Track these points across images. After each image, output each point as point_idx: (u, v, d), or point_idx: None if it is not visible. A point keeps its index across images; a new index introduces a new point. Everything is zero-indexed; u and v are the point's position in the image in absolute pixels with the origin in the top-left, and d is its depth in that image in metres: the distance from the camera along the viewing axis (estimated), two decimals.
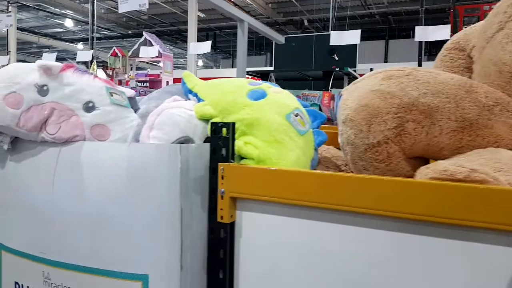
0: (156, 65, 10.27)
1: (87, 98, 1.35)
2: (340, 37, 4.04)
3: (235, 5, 10.96)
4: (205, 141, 1.21)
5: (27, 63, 1.43)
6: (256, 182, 0.98)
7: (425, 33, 3.90)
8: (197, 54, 8.43)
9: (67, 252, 1.29)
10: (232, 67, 15.48)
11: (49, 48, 16.61)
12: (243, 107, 1.21)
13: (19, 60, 11.33)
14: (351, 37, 4.02)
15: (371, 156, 1.04)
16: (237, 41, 2.05)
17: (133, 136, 1.25)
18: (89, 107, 1.33)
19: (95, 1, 9.93)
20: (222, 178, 1.01)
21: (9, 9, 11.28)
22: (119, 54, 8.30)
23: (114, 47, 8.35)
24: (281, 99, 1.25)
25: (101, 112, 1.33)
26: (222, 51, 15.95)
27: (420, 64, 4.55)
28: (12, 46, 11.41)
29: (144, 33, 8.04)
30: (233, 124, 1.05)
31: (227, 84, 1.33)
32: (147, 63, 9.73)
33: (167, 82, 8.08)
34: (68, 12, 12.02)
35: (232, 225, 1.01)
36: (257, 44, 14.90)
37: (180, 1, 11.29)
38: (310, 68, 5.72)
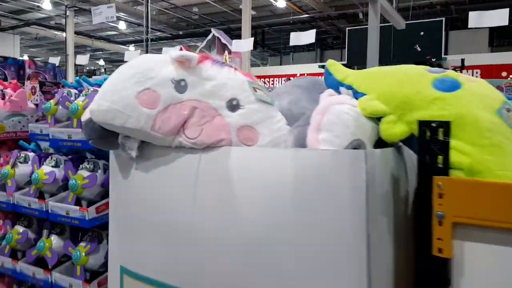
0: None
1: (231, 94, 1.11)
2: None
3: (288, 0, 10.68)
4: (376, 146, 0.93)
5: (156, 55, 1.21)
6: (492, 203, 0.69)
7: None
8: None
9: (210, 284, 1.05)
10: (281, 65, 15.20)
11: (102, 51, 17.12)
12: (432, 100, 0.92)
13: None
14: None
15: None
16: (369, 25, 1.77)
17: (295, 140, 0.99)
18: (233, 105, 1.10)
19: (149, 3, 10.00)
20: (440, 197, 0.72)
21: (67, 13, 11.63)
22: None
23: (181, 46, 8.23)
24: (482, 90, 0.95)
25: (247, 111, 1.09)
26: (271, 48, 15.68)
27: None
28: (70, 49, 11.77)
29: (212, 29, 7.90)
30: (448, 123, 0.76)
31: (398, 73, 1.04)
32: None
33: None
34: (121, 14, 12.22)
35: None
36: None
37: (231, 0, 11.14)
38: (389, 60, 5.31)
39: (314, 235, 0.83)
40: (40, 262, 1.80)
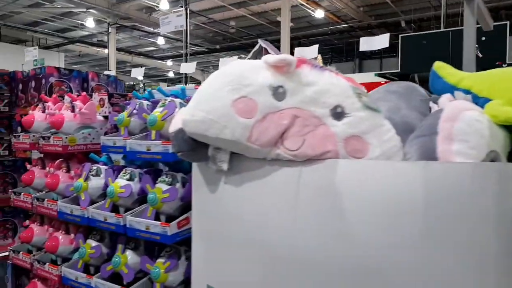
0: None
1: (334, 101, 1.01)
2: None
3: (327, 10, 10.58)
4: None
5: (250, 60, 1.13)
6: None
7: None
8: None
9: None
10: None
11: (141, 66, 17.57)
12: None
13: None
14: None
15: None
16: (464, 25, 1.65)
17: (421, 152, 0.87)
18: (338, 113, 1.00)
19: (188, 18, 10.16)
20: None
21: (109, 30, 12.03)
22: None
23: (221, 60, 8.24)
24: None
25: (354, 120, 0.99)
26: None
27: None
28: (112, 65, 12.13)
29: (259, 40, 7.84)
30: None
31: None
32: None
33: None
34: (160, 30, 12.51)
35: None
36: (346, 50, 14.31)
37: (268, 12, 11.16)
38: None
39: (449, 258, 0.72)
40: (114, 277, 1.75)
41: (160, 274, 1.56)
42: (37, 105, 2.21)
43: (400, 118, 1.20)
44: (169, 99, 1.66)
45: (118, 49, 13.71)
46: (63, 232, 2.02)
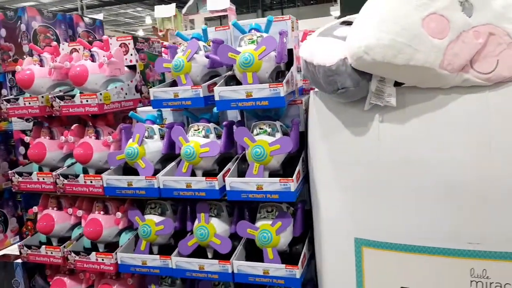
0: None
1: None
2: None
3: None
4: None
5: None
6: None
7: None
8: None
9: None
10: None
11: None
12: None
13: None
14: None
15: None
16: None
17: None
18: None
19: None
20: None
21: None
22: None
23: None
24: None
25: None
26: None
27: None
28: None
29: None
30: None
31: None
32: (209, 19, 8.51)
33: None
34: None
35: None
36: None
37: None
38: None
39: None
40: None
41: (273, 238, 1.36)
42: (30, 57, 1.69)
43: None
44: (258, 34, 1.38)
45: None
46: (101, 213, 1.64)
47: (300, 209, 1.43)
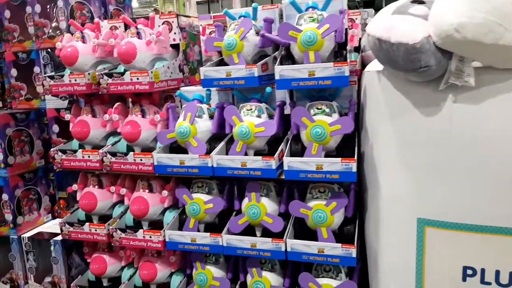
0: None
1: None
2: None
3: None
4: None
5: None
6: None
7: None
8: None
9: None
10: None
11: None
12: None
13: None
14: None
15: None
16: None
17: None
18: None
19: None
20: None
21: None
22: None
23: None
24: None
25: None
26: None
27: None
28: None
29: None
30: None
31: None
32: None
33: None
34: None
35: None
36: None
37: None
38: None
39: None
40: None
41: (327, 217, 1.38)
42: (69, 34, 1.66)
43: None
44: (319, 12, 1.37)
45: None
46: (146, 191, 1.64)
47: (353, 190, 1.45)
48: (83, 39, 1.65)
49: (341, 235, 1.44)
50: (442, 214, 1.21)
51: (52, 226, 2.03)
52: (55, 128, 1.99)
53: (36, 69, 2.01)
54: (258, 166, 1.39)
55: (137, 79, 1.48)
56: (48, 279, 1.93)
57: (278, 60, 1.40)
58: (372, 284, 1.46)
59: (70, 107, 1.96)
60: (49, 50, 1.96)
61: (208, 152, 1.46)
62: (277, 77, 1.33)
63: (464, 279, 1.23)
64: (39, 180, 2.05)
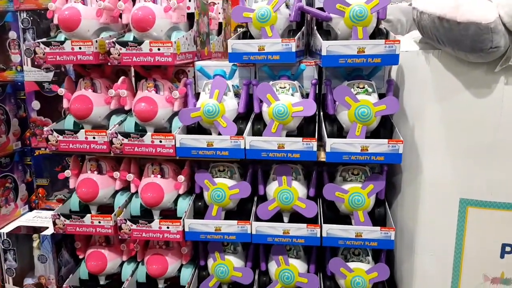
0: None
1: None
2: None
3: None
4: None
5: None
6: None
7: None
8: None
9: None
10: None
11: None
12: None
13: None
14: None
15: None
16: None
17: None
18: None
19: None
20: None
21: None
22: None
23: None
24: None
25: None
26: None
27: None
28: None
29: None
30: None
31: None
32: None
33: None
34: None
35: None
36: None
37: None
38: None
39: None
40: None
41: (365, 200, 1.35)
42: None
43: None
44: None
45: None
46: (158, 176, 1.48)
47: (386, 172, 1.42)
48: (83, 0, 1.42)
49: (372, 218, 1.42)
50: (485, 194, 1.23)
51: (32, 219, 1.75)
52: (35, 104, 1.72)
53: (12, 34, 1.70)
54: (297, 148, 1.30)
55: (158, 49, 1.31)
56: (30, 280, 1.67)
57: (318, 35, 1.32)
58: (402, 266, 1.46)
59: (57, 80, 1.71)
60: (30, 12, 1.66)
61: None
62: (324, 53, 1.24)
63: (502, 256, 1.27)
64: (15, 166, 1.76)
